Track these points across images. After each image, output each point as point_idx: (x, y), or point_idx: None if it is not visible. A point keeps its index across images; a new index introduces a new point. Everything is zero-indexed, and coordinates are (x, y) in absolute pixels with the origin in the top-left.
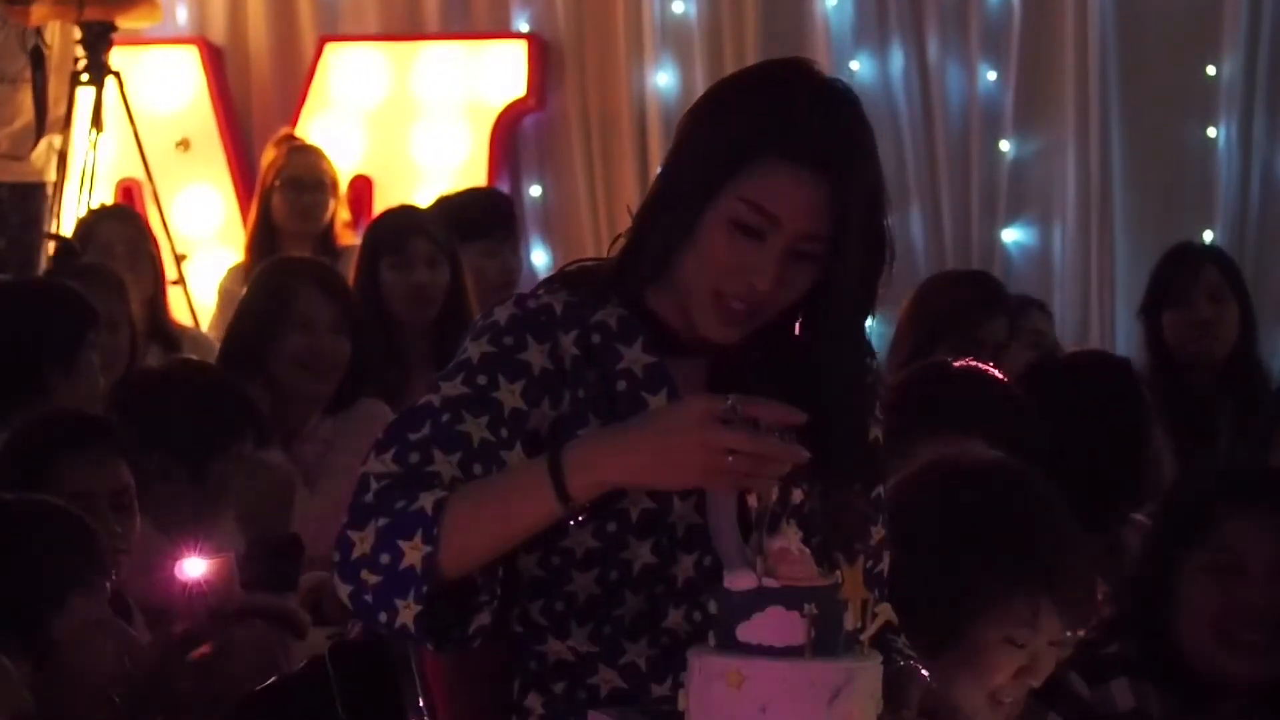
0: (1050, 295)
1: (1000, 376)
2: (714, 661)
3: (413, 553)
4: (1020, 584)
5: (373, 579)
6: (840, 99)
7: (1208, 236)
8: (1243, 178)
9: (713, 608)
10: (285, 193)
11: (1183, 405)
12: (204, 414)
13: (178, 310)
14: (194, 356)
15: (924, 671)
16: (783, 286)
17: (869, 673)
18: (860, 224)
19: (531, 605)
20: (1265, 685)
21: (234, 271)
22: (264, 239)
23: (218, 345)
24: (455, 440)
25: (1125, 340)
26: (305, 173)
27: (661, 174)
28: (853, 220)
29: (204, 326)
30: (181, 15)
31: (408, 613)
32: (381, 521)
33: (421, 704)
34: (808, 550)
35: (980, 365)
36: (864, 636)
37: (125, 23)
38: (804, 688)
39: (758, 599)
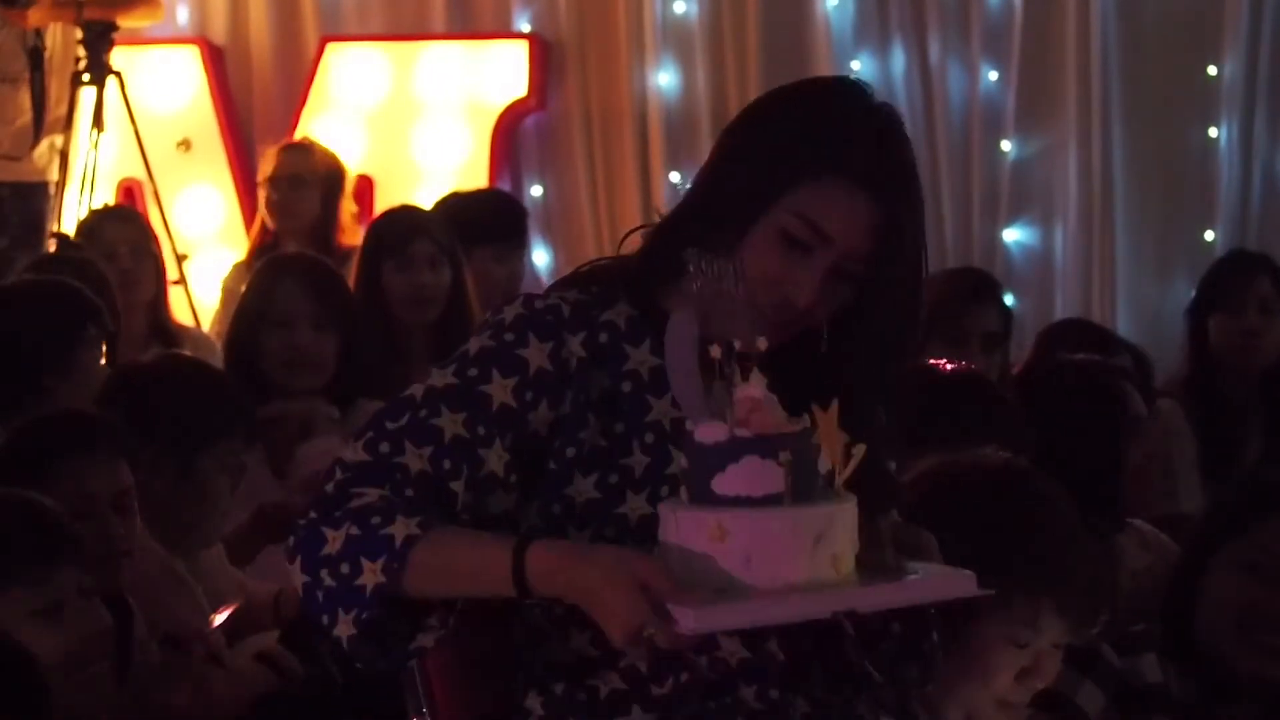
0: (1051, 295)
1: (986, 381)
2: (693, 516)
3: (370, 575)
4: (1020, 584)
5: (329, 581)
6: (895, 122)
7: (1209, 237)
8: (1244, 178)
9: (682, 462)
10: (268, 191)
11: (1216, 411)
12: (193, 409)
13: (179, 310)
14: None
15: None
16: (819, 305)
17: (847, 515)
18: (909, 246)
19: (532, 607)
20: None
21: (236, 269)
22: (262, 240)
23: (219, 344)
24: (428, 434)
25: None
26: (286, 170)
27: (703, 182)
28: (903, 242)
29: (205, 326)
30: (182, 15)
31: (345, 628)
32: (354, 530)
33: (423, 704)
34: (774, 397)
35: (963, 370)
36: (841, 477)
37: (126, 22)
38: (787, 535)
39: (732, 450)
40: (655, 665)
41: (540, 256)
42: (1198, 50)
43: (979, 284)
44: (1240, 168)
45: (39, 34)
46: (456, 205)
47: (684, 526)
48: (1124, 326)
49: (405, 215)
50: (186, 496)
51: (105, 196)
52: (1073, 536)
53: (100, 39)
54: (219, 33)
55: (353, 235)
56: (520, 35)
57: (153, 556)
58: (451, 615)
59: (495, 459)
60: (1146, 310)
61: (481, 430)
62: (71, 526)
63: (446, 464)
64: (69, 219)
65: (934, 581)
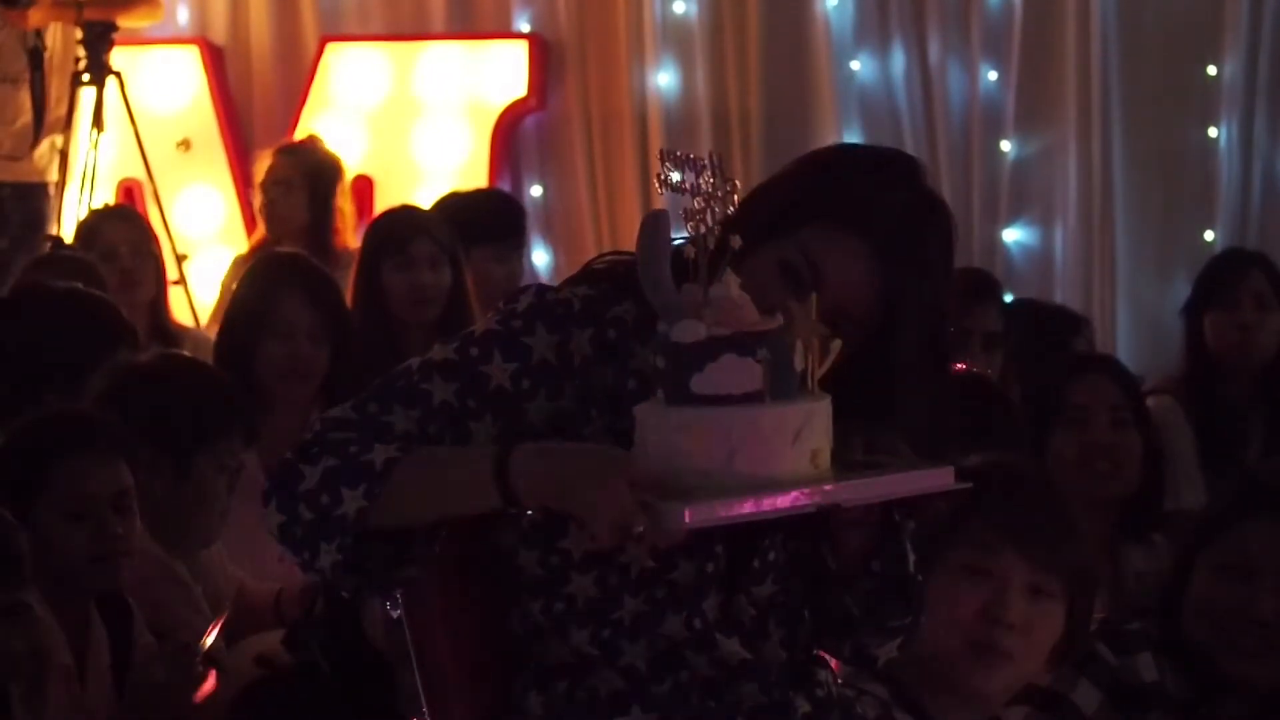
0: (1051, 295)
1: (987, 382)
2: (673, 414)
3: (351, 502)
4: (978, 511)
5: (307, 515)
6: (937, 209)
7: (1209, 236)
8: (1244, 178)
9: (660, 362)
10: (258, 195)
11: (1215, 409)
12: (191, 409)
13: (179, 310)
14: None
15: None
16: None
17: (823, 411)
18: (912, 324)
19: (531, 605)
20: (1273, 692)
21: (235, 267)
22: (260, 242)
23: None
24: (416, 397)
25: (1126, 340)
26: (270, 174)
27: (752, 194)
28: (905, 317)
29: (204, 326)
30: (182, 15)
31: (328, 558)
32: (331, 462)
33: (424, 704)
34: (747, 295)
35: (964, 370)
36: (816, 374)
37: (126, 22)
38: (769, 431)
39: (710, 348)
40: (641, 615)
41: (540, 256)
42: (1198, 50)
43: (979, 284)
44: (1240, 168)
45: (39, 34)
46: (455, 205)
47: (665, 426)
48: (1124, 326)
49: (405, 215)
50: (184, 496)
51: (105, 196)
52: (1050, 504)
53: (100, 39)
54: (219, 33)
55: (351, 238)
56: (520, 35)
57: (152, 557)
58: (437, 542)
59: (483, 433)
60: (1146, 310)
61: (472, 403)
62: (19, 542)
63: (432, 428)
64: (69, 219)
65: (913, 474)
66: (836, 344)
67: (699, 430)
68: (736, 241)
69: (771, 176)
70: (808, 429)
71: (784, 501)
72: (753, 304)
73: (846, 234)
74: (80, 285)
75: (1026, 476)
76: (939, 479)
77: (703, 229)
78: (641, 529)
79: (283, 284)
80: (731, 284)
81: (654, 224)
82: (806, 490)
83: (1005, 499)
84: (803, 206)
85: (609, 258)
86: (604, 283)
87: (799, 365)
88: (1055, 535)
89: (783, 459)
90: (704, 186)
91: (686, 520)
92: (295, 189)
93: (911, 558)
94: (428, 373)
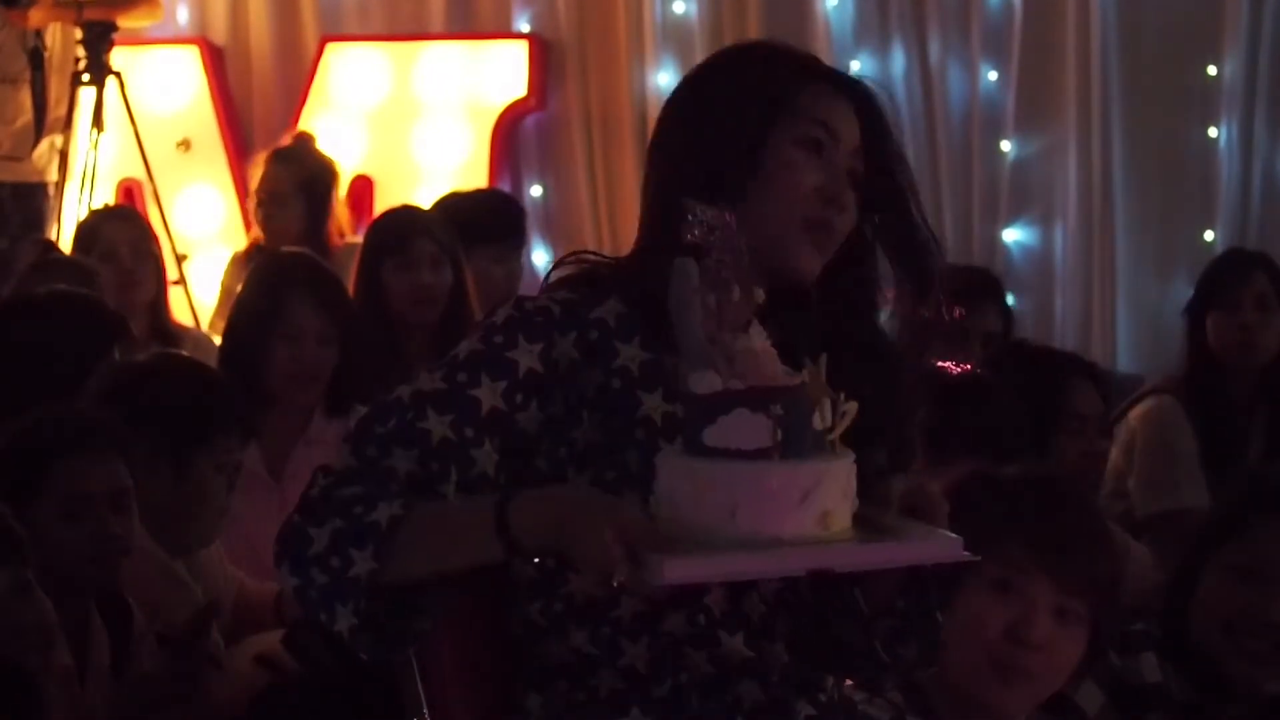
0: (1051, 295)
1: (987, 382)
2: (680, 465)
3: (362, 564)
4: (1011, 526)
5: (321, 579)
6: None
7: (1209, 236)
8: (1244, 178)
9: (680, 411)
10: (253, 204)
11: (1217, 409)
12: (189, 408)
13: (179, 310)
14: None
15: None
16: (850, 207)
17: (839, 471)
18: (890, 151)
19: (530, 606)
20: (1277, 696)
21: (234, 266)
22: (256, 242)
23: (212, 340)
24: (415, 437)
25: (1126, 340)
26: (265, 186)
27: (671, 164)
28: (887, 146)
29: (205, 326)
30: (182, 15)
31: (345, 621)
32: (338, 523)
33: (423, 705)
34: (773, 350)
35: (965, 371)
36: (833, 435)
37: (126, 22)
38: (773, 490)
39: (723, 402)
40: (640, 615)
41: (540, 256)
42: (1198, 50)
43: (979, 283)
44: (1240, 168)
45: (39, 34)
46: (455, 205)
47: (673, 477)
48: (1124, 326)
49: (406, 215)
50: (183, 496)
51: (105, 196)
52: (1081, 522)
53: (100, 39)
54: (219, 33)
55: (350, 233)
56: (520, 35)
57: (151, 557)
58: (449, 595)
59: (486, 459)
60: (1146, 310)
61: (470, 432)
62: (7, 523)
63: (435, 466)
64: (69, 219)
65: (917, 543)
66: (852, 406)
67: (704, 483)
68: (760, 295)
69: (684, 132)
70: (818, 490)
71: (771, 565)
72: (776, 358)
73: (821, 86)
74: (65, 287)
75: (1063, 493)
76: (946, 549)
77: (724, 278)
78: (620, 581)
79: (289, 286)
80: (756, 337)
81: (684, 272)
82: (799, 553)
83: (1039, 517)
84: (772, 95)
85: (582, 258)
86: (583, 286)
87: (822, 424)
88: (1086, 558)
89: (787, 519)
90: (725, 241)
91: (664, 576)
92: (290, 201)
93: (936, 599)
94: (421, 408)
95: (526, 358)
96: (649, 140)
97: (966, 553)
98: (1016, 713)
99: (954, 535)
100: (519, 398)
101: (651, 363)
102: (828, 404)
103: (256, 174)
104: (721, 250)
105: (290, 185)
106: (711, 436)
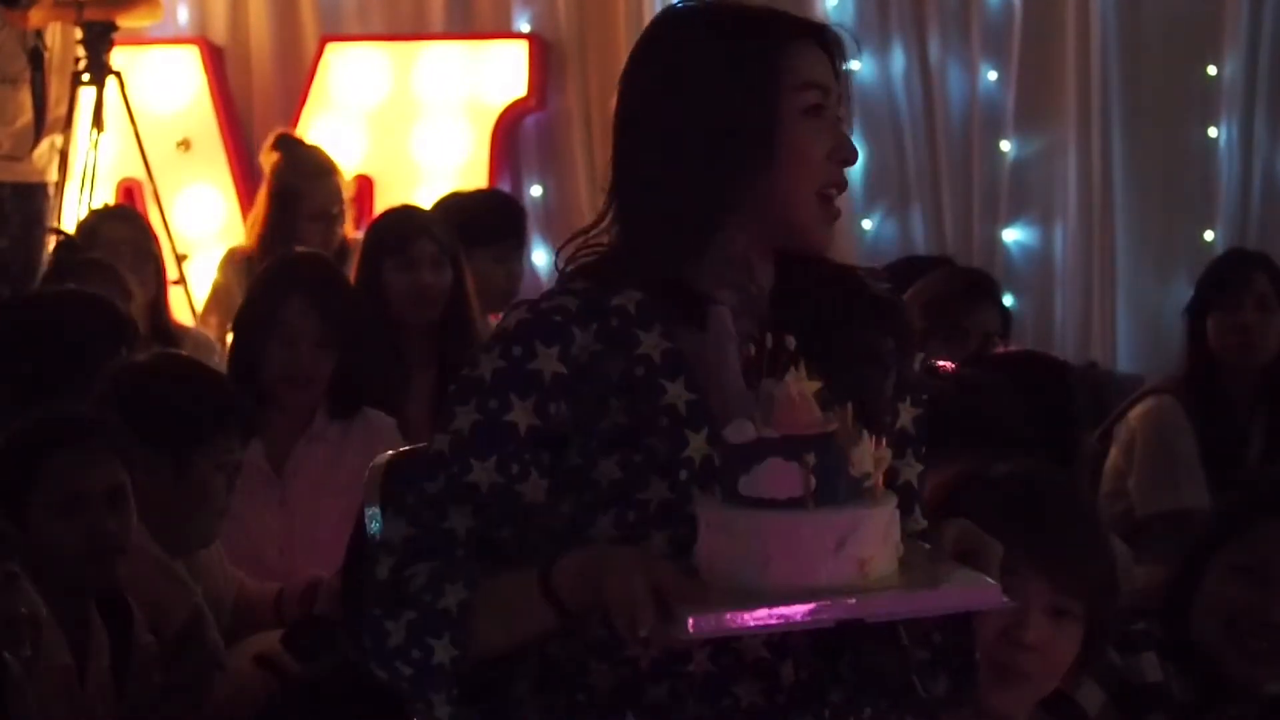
0: (1051, 295)
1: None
2: (716, 516)
3: (442, 652)
4: (1001, 526)
5: (407, 670)
6: None
7: (1209, 236)
8: (1244, 178)
9: (717, 460)
10: (313, 225)
11: (1217, 410)
12: (188, 407)
13: (179, 310)
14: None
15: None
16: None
17: (877, 518)
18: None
19: (418, 565)
20: (1276, 697)
21: (229, 262)
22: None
23: (216, 341)
24: (465, 493)
25: (1126, 340)
26: (329, 204)
27: (673, 139)
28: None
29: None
30: (182, 15)
31: (443, 709)
32: (411, 615)
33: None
34: (810, 397)
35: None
36: (869, 482)
37: (126, 22)
38: (806, 539)
39: (756, 451)
40: (664, 659)
41: (540, 256)
42: (1198, 50)
43: (979, 284)
44: (1240, 168)
45: (39, 34)
46: (455, 205)
47: (710, 527)
48: (1124, 326)
49: (407, 215)
50: (183, 496)
51: (105, 196)
52: (1076, 519)
53: (100, 39)
54: (219, 33)
55: (351, 230)
56: (520, 35)
57: (151, 557)
58: (537, 655)
59: (532, 489)
60: (1146, 310)
61: (515, 468)
62: None
63: (490, 513)
64: (69, 219)
65: (953, 592)
66: (886, 453)
67: (738, 533)
68: (792, 342)
69: (680, 106)
70: (855, 537)
71: (800, 614)
72: (814, 405)
73: (801, 41)
74: (76, 286)
75: (1053, 490)
76: (983, 597)
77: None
78: (647, 632)
79: (289, 288)
80: (792, 384)
81: (718, 321)
82: (829, 603)
83: (1030, 516)
84: (776, 54)
85: (591, 243)
86: (600, 272)
87: (861, 470)
88: (1079, 556)
89: (821, 567)
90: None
91: (689, 629)
92: (341, 215)
93: (974, 639)
94: (464, 459)
95: (549, 364)
96: (618, 117)
97: (1005, 600)
98: (1015, 713)
99: (993, 582)
100: (551, 407)
101: (673, 351)
102: (866, 450)
103: (278, 169)
104: (748, 302)
105: (339, 197)
106: (746, 486)
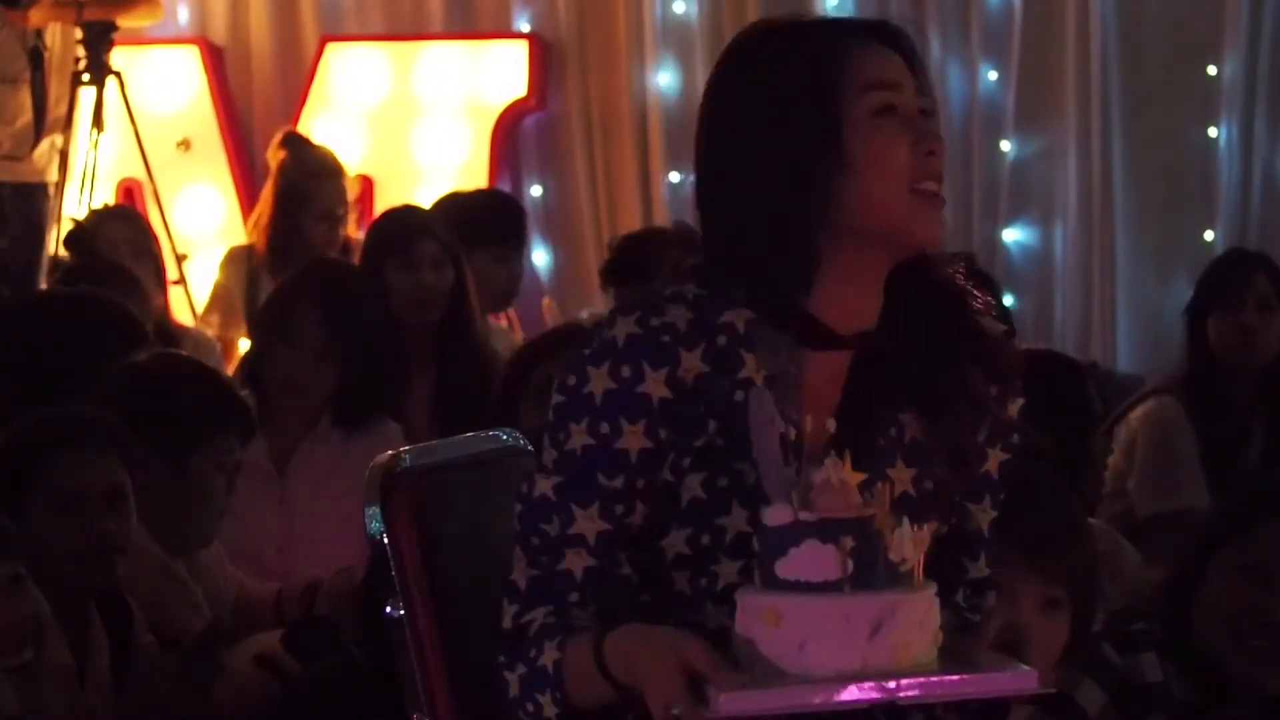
0: (1051, 295)
1: None
2: (754, 600)
3: (548, 708)
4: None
5: None
6: None
7: (1209, 236)
8: (1244, 178)
9: (755, 545)
10: (316, 225)
11: (1218, 410)
12: (187, 407)
13: (179, 310)
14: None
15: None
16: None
17: (914, 604)
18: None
19: (535, 612)
20: (1277, 697)
21: (230, 261)
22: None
23: (216, 341)
24: (575, 538)
25: (1126, 340)
26: (334, 205)
27: (743, 166)
28: (928, 77)
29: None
30: (182, 15)
31: None
32: (521, 670)
33: (424, 705)
34: (849, 481)
35: None
36: (907, 567)
37: (126, 22)
38: (841, 623)
39: (793, 534)
40: None
41: (540, 256)
42: (1198, 50)
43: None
44: (1240, 168)
45: (39, 34)
46: (455, 206)
47: (747, 610)
48: (1124, 326)
49: (408, 215)
50: (182, 496)
51: (105, 196)
52: (1061, 515)
53: (100, 39)
54: (219, 33)
55: (353, 229)
56: (520, 35)
57: (151, 557)
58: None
59: (639, 516)
60: (1146, 310)
61: (620, 508)
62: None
63: (604, 553)
64: (69, 219)
65: (989, 676)
66: (925, 535)
67: (774, 616)
68: (831, 425)
69: (753, 130)
70: (891, 622)
71: (832, 697)
72: (853, 490)
73: (863, 42)
74: (87, 287)
75: (1034, 480)
76: (1018, 683)
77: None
78: (678, 712)
79: (302, 295)
80: (831, 469)
81: (760, 402)
82: (866, 686)
83: (1014, 510)
84: (835, 62)
85: (695, 239)
86: (715, 281)
87: (899, 555)
88: (1064, 543)
89: (856, 652)
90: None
91: (718, 710)
92: (347, 214)
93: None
94: (567, 508)
95: (656, 388)
96: (698, 152)
97: (1042, 686)
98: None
99: (1029, 669)
100: (661, 431)
101: (773, 378)
102: (906, 535)
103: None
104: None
105: (346, 198)
106: (783, 569)
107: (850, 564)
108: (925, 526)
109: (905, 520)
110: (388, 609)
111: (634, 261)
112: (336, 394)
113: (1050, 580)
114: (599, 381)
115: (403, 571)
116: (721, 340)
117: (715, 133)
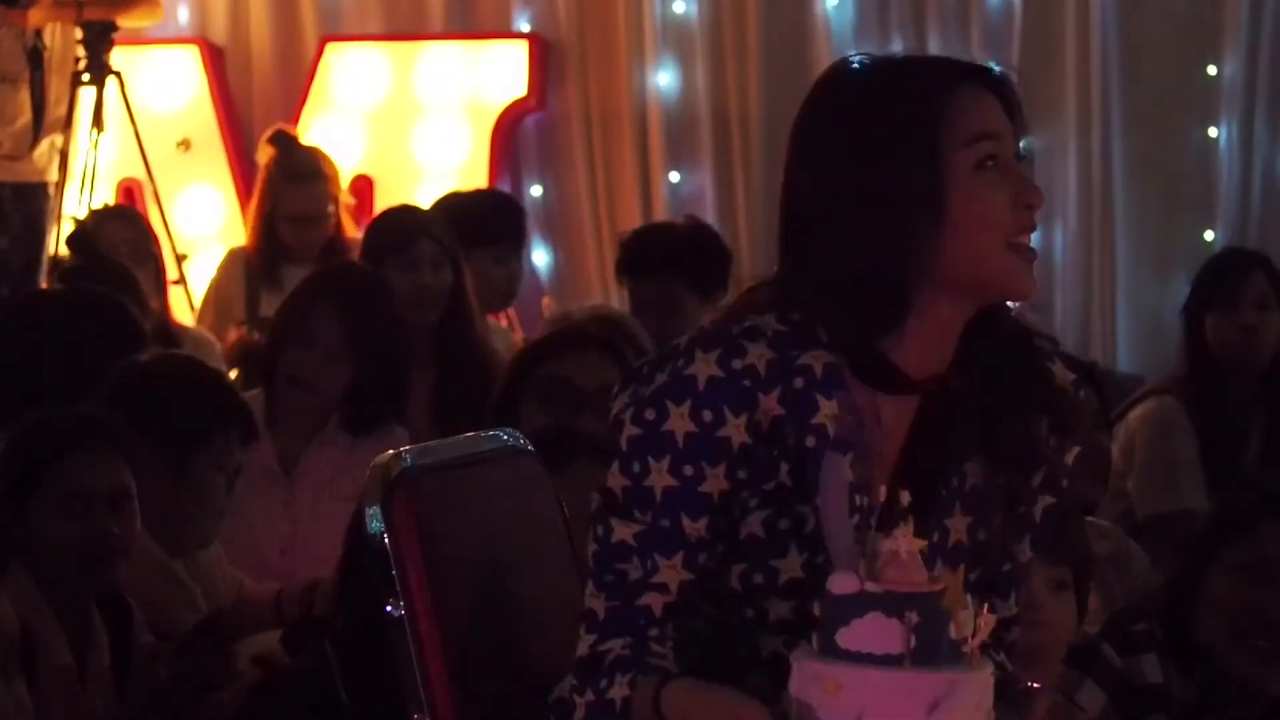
0: (1051, 295)
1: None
2: (812, 667)
3: None
4: None
5: None
6: None
7: (1209, 236)
8: (1244, 178)
9: (817, 609)
10: (289, 227)
11: (1216, 409)
12: (188, 408)
13: (179, 310)
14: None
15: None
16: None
17: (973, 683)
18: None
19: (612, 642)
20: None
21: (230, 261)
22: (268, 247)
23: (216, 342)
24: (659, 586)
25: (1126, 340)
26: (304, 209)
27: (837, 213)
28: (1021, 122)
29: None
30: (182, 15)
31: None
32: (590, 697)
33: (424, 704)
34: (917, 554)
35: None
36: (969, 646)
37: (126, 22)
38: (901, 698)
39: (858, 604)
40: None
41: (540, 256)
42: (1198, 50)
43: None
44: (1240, 168)
45: (39, 34)
46: (455, 206)
47: (804, 677)
48: (1124, 326)
49: (407, 215)
50: (183, 497)
51: (105, 196)
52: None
53: (100, 39)
54: (219, 33)
55: (347, 229)
56: (520, 35)
57: (151, 558)
58: None
59: (714, 561)
60: (1146, 310)
61: (702, 558)
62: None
63: (686, 596)
64: (69, 219)
65: None
66: (989, 619)
67: (833, 686)
68: (906, 497)
69: (846, 175)
70: (950, 700)
71: None
72: (921, 565)
73: (962, 87)
74: (88, 286)
75: None
76: None
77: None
78: None
79: (320, 295)
80: (901, 540)
81: (833, 465)
82: None
83: None
84: (938, 112)
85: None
86: (793, 314)
87: (961, 633)
88: (1067, 531)
89: None
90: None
91: None
92: (325, 219)
93: None
94: (649, 555)
95: (736, 433)
96: (788, 179)
97: None
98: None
99: None
100: (740, 473)
101: (846, 423)
102: (968, 613)
103: (269, 172)
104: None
105: (322, 203)
106: (845, 638)
107: (913, 639)
108: (987, 607)
109: (970, 599)
110: (388, 609)
111: (648, 254)
112: (347, 397)
113: (1056, 563)
114: (679, 422)
115: (403, 571)
116: (798, 383)
117: (807, 172)
